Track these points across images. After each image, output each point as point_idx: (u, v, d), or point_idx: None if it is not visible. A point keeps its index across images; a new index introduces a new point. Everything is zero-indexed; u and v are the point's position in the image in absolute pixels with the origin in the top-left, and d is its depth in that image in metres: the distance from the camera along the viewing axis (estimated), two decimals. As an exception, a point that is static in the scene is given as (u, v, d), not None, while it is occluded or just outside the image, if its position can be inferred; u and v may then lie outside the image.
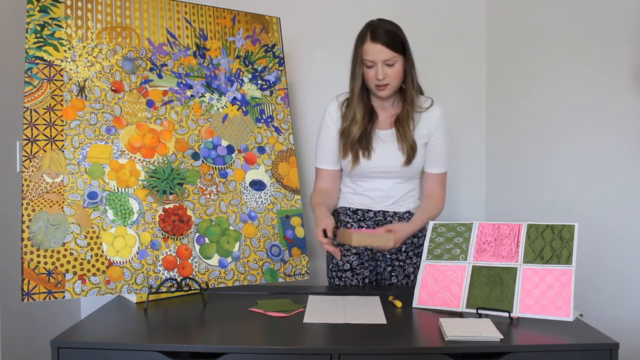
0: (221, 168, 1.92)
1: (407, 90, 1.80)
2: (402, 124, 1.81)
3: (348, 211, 1.92)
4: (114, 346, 1.32)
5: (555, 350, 1.28)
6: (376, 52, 1.71)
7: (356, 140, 1.81)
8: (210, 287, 1.79)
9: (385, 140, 1.83)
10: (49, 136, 1.66)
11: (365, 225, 1.89)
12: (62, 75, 1.72)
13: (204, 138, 1.91)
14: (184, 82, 1.91)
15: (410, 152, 1.80)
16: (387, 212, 1.89)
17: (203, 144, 1.91)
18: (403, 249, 1.88)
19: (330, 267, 1.95)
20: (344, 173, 1.92)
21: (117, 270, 1.67)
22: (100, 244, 1.67)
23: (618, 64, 1.83)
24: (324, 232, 1.68)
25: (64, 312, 2.26)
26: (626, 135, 1.81)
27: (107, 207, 1.70)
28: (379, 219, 1.89)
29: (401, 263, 1.90)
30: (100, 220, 1.68)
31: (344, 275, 1.90)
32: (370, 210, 1.90)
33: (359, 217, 1.90)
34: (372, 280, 1.92)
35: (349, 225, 1.90)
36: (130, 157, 1.77)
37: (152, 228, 1.75)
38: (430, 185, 1.90)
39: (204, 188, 1.87)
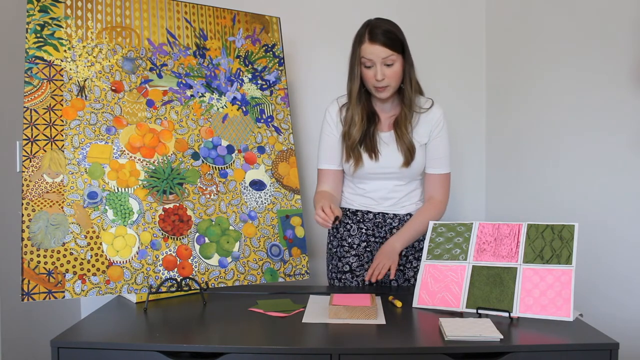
0: (221, 168, 1.92)
1: (405, 91, 1.78)
2: (400, 126, 1.80)
3: (348, 212, 1.91)
4: (114, 346, 1.32)
5: (555, 350, 1.28)
6: (375, 52, 1.69)
7: (357, 143, 1.80)
8: (210, 287, 1.79)
9: (387, 143, 1.83)
10: (49, 136, 1.66)
11: (365, 227, 1.89)
12: (62, 75, 1.71)
13: (204, 138, 1.91)
14: (184, 82, 1.91)
15: (408, 154, 1.80)
16: (387, 213, 1.89)
17: (203, 143, 1.90)
18: (404, 252, 1.88)
19: (330, 268, 1.95)
20: (345, 175, 1.92)
21: (117, 270, 1.67)
22: (100, 243, 1.67)
23: (618, 64, 1.82)
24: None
25: (64, 312, 2.26)
26: (626, 136, 1.81)
27: (107, 207, 1.70)
28: (378, 220, 1.89)
29: (401, 267, 1.89)
30: (100, 220, 1.68)
31: (343, 277, 1.89)
32: (370, 212, 1.89)
33: (358, 218, 1.90)
34: (371, 282, 1.92)
35: (348, 226, 1.90)
36: (130, 157, 1.77)
37: (152, 228, 1.75)
38: (430, 187, 1.88)
39: (204, 188, 1.87)
